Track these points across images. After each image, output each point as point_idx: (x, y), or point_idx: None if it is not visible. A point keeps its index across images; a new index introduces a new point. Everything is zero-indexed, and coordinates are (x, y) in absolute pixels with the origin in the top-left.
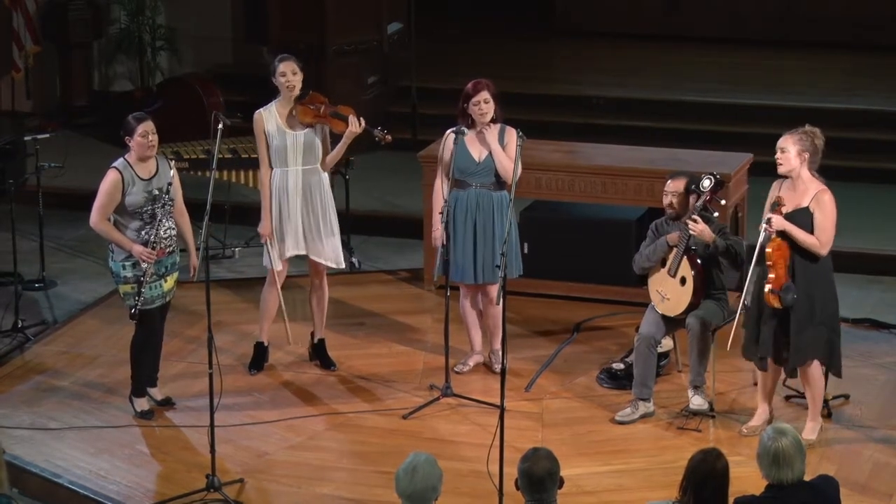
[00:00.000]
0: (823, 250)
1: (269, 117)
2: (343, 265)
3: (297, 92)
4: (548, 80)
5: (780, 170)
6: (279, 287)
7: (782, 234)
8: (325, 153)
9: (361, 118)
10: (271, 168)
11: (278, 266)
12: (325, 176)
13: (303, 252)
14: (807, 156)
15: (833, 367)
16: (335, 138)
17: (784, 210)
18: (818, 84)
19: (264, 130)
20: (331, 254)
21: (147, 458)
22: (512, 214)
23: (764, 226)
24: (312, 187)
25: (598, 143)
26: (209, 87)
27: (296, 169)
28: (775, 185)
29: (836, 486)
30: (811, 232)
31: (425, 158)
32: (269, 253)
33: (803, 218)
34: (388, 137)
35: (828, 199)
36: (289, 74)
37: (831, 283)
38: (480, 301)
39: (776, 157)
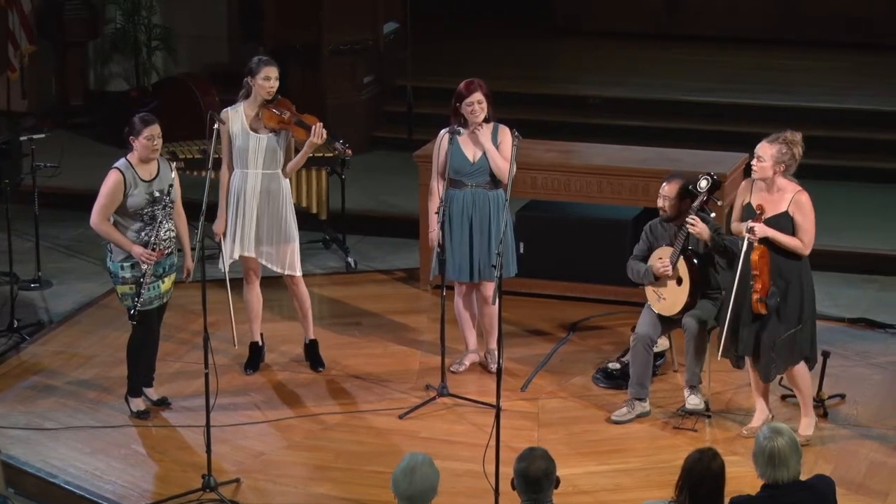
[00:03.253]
0: (806, 251)
1: (236, 117)
2: (297, 272)
3: (271, 98)
4: (544, 79)
5: (755, 176)
6: (228, 286)
7: (765, 241)
8: (287, 159)
9: (325, 130)
10: (232, 169)
11: (224, 267)
12: (286, 182)
13: (251, 254)
14: (782, 167)
15: (812, 358)
16: (299, 146)
17: (764, 217)
18: (817, 84)
19: (229, 130)
20: (282, 259)
21: (143, 458)
22: (507, 214)
23: (746, 235)
24: (271, 192)
25: (594, 143)
26: (205, 87)
27: (256, 172)
28: (745, 184)
29: (833, 485)
30: (792, 234)
31: (421, 158)
32: (222, 253)
33: (784, 222)
34: (349, 152)
35: (805, 200)
36: (272, 80)
37: (811, 279)
38: (476, 300)
39: (752, 162)
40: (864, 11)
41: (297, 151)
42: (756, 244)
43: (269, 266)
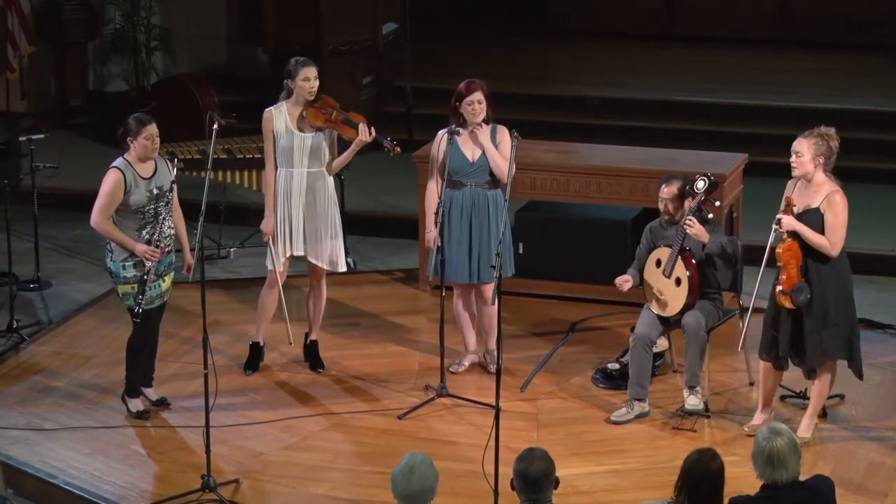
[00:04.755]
0: (834, 251)
1: (279, 116)
2: (342, 268)
3: (313, 98)
4: (543, 79)
5: (795, 173)
6: (279, 288)
7: (793, 235)
8: (332, 158)
9: (372, 127)
10: (277, 168)
11: (279, 267)
12: (331, 180)
13: (301, 253)
14: (822, 160)
15: (854, 367)
16: (343, 144)
17: (795, 210)
18: (817, 84)
19: (273, 130)
20: (329, 256)
21: (142, 458)
22: (506, 214)
23: (774, 226)
24: (317, 190)
25: (594, 144)
26: (204, 87)
27: (301, 171)
28: (790, 184)
29: (832, 485)
30: (822, 232)
31: (420, 158)
32: (271, 253)
33: (813, 218)
34: (398, 149)
35: (839, 199)
36: (312, 80)
37: (846, 285)
38: (475, 301)
39: (791, 160)
40: (865, 12)
41: (341, 149)
42: (784, 237)
43: (315, 262)
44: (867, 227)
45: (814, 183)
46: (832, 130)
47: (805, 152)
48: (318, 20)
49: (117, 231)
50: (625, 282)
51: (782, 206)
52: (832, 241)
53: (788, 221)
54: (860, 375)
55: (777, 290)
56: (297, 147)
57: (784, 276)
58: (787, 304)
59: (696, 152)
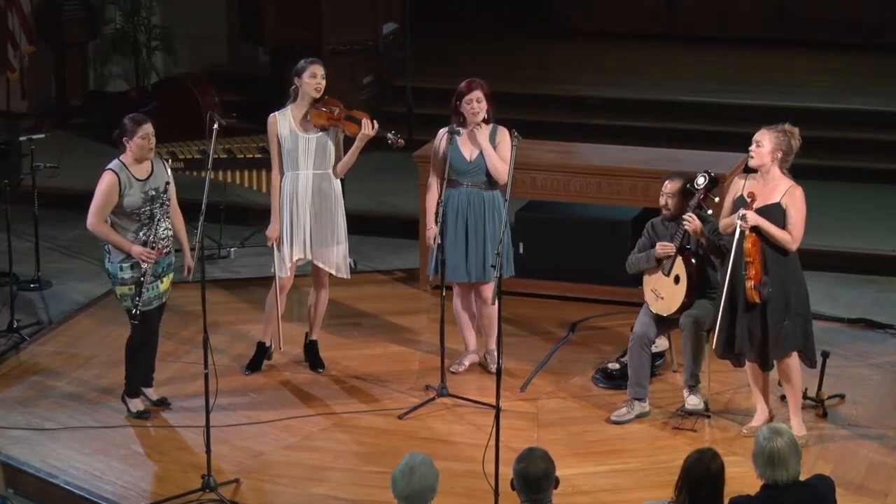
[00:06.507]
0: (794, 245)
1: (283, 120)
2: (346, 275)
3: (319, 95)
4: (543, 80)
5: (752, 163)
6: (284, 292)
7: (755, 229)
8: (338, 159)
9: (375, 121)
10: (283, 172)
11: (284, 272)
12: (337, 183)
13: (308, 257)
14: (780, 155)
15: (808, 354)
16: (347, 145)
17: (754, 205)
18: (817, 84)
19: (277, 134)
20: (334, 261)
21: (142, 458)
22: (505, 215)
23: (738, 222)
24: (323, 193)
25: (594, 144)
26: (204, 87)
27: (307, 173)
28: (737, 179)
29: (832, 485)
30: (782, 227)
31: (420, 158)
32: (276, 258)
33: (774, 213)
34: (402, 142)
35: (799, 194)
36: (318, 77)
37: (801, 276)
38: (475, 301)
39: (750, 149)
40: (864, 13)
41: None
42: (748, 232)
43: (322, 266)
44: (867, 227)
45: (770, 178)
46: (796, 129)
47: (766, 143)
48: (318, 20)
49: (113, 233)
50: (664, 246)
51: (728, 200)
52: (795, 235)
53: (753, 216)
54: (812, 364)
55: (749, 285)
56: (301, 149)
57: (753, 271)
58: (756, 299)
59: (696, 152)
